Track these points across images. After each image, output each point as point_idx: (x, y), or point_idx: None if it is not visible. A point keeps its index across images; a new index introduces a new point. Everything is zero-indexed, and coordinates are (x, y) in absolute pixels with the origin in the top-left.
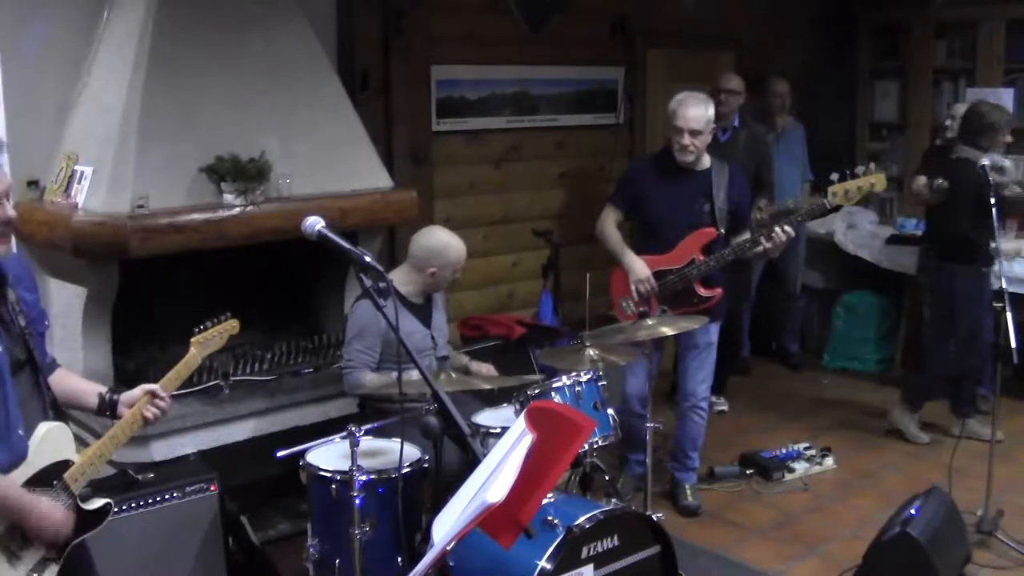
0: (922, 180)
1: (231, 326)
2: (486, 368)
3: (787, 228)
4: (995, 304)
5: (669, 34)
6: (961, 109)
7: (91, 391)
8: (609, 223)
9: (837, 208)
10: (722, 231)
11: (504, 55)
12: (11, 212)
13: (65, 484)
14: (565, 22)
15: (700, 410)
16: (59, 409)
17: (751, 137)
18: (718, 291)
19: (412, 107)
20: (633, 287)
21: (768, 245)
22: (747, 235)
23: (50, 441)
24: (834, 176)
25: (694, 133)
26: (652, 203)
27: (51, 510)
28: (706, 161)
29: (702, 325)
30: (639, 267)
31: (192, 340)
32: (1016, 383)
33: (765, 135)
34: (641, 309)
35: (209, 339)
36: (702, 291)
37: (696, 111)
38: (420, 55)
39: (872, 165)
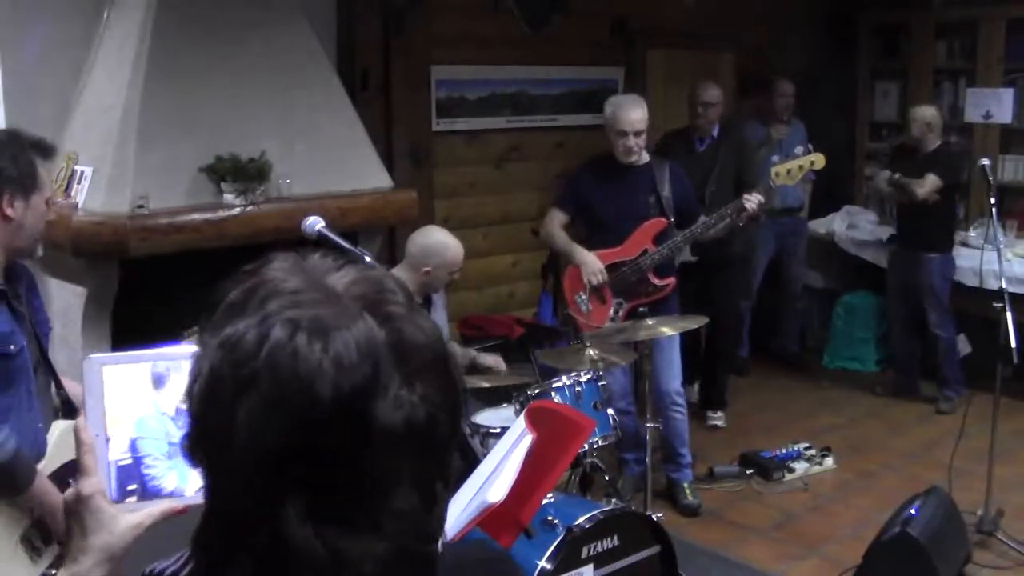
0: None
1: None
2: (492, 359)
3: (757, 197)
4: (995, 304)
5: (669, 34)
6: (922, 112)
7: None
8: (555, 225)
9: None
10: (672, 219)
11: (504, 55)
12: (51, 216)
13: None
14: (565, 22)
15: (677, 406)
16: (70, 407)
17: (732, 144)
18: (671, 280)
19: (412, 107)
20: (586, 279)
21: (738, 219)
22: (698, 222)
23: (65, 439)
24: (775, 158)
25: (638, 134)
26: (599, 203)
27: None
28: (645, 156)
29: (700, 324)
30: (591, 260)
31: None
32: (1016, 383)
33: (748, 140)
34: (617, 301)
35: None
36: (655, 280)
37: (637, 113)
38: (420, 55)
39: (810, 146)
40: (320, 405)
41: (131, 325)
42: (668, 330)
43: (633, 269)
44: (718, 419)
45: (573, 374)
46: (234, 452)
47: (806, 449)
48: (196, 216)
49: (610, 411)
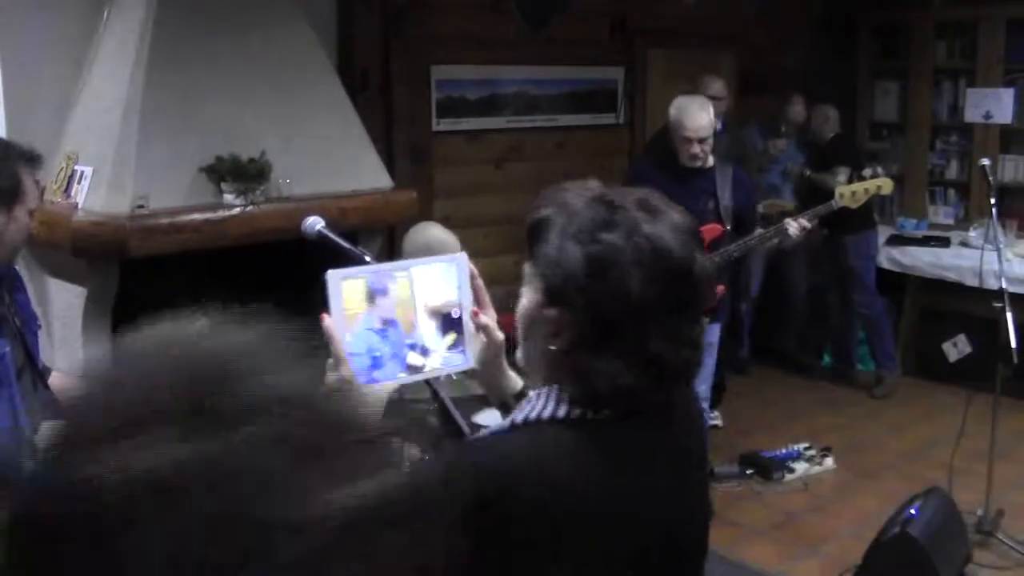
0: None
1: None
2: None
3: (802, 222)
4: (995, 304)
5: (669, 34)
6: (823, 108)
7: None
8: None
9: (846, 209)
10: (728, 228)
11: (504, 55)
12: (35, 225)
13: None
14: (565, 22)
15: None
16: (58, 408)
17: (733, 142)
18: (721, 288)
19: (412, 107)
20: None
21: (786, 239)
22: (755, 233)
23: None
24: (841, 178)
25: (703, 140)
26: None
27: None
28: (709, 159)
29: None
30: None
31: None
32: (1016, 383)
33: (748, 139)
34: None
35: None
36: None
37: (703, 119)
38: (420, 55)
39: (879, 168)
40: (681, 270)
41: (131, 325)
42: None
43: None
44: (715, 418)
45: None
46: (629, 302)
47: (806, 449)
48: (196, 216)
49: None
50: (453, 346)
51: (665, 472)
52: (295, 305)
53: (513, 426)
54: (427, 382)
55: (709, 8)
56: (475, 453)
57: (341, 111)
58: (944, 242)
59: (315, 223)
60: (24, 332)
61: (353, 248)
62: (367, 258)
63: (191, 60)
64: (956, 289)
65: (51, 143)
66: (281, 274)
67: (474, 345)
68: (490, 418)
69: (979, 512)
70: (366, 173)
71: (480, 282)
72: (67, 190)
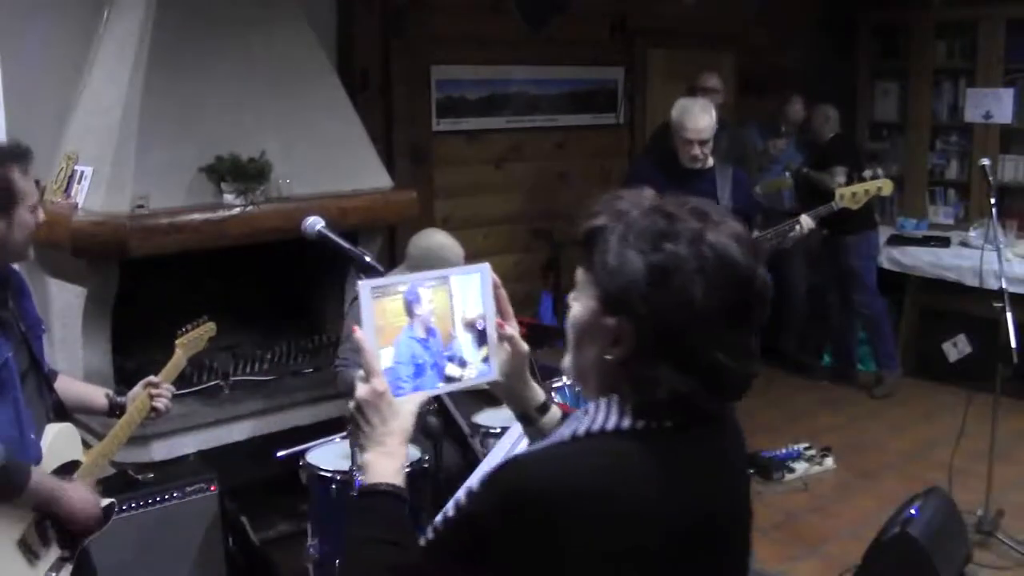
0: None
1: (209, 328)
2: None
3: (808, 220)
4: (995, 304)
5: (669, 34)
6: (823, 107)
7: (98, 394)
8: None
9: (846, 210)
10: None
11: (504, 55)
12: (41, 217)
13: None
14: (565, 22)
15: None
16: (62, 412)
17: (733, 142)
18: None
19: (412, 107)
20: None
21: (785, 241)
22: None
23: (59, 442)
24: (840, 179)
25: (703, 143)
26: None
27: (86, 494)
28: (709, 160)
29: None
30: None
31: (177, 342)
32: (1016, 383)
33: (748, 139)
34: None
35: (191, 340)
36: None
37: (704, 121)
38: (420, 55)
39: (879, 170)
40: (744, 279)
41: (131, 325)
42: None
43: None
44: None
45: None
46: (692, 310)
47: (806, 449)
48: (196, 216)
49: None
50: (485, 359)
51: (721, 480)
52: (295, 305)
53: (575, 438)
54: None
55: (709, 8)
56: (529, 464)
57: (341, 111)
58: (944, 242)
59: (315, 223)
60: (29, 337)
61: (353, 248)
62: (367, 258)
63: (191, 61)
64: (956, 289)
65: (51, 143)
66: (281, 274)
67: (498, 356)
68: (490, 418)
69: (979, 512)
70: (366, 173)
71: (503, 292)
72: (67, 190)
